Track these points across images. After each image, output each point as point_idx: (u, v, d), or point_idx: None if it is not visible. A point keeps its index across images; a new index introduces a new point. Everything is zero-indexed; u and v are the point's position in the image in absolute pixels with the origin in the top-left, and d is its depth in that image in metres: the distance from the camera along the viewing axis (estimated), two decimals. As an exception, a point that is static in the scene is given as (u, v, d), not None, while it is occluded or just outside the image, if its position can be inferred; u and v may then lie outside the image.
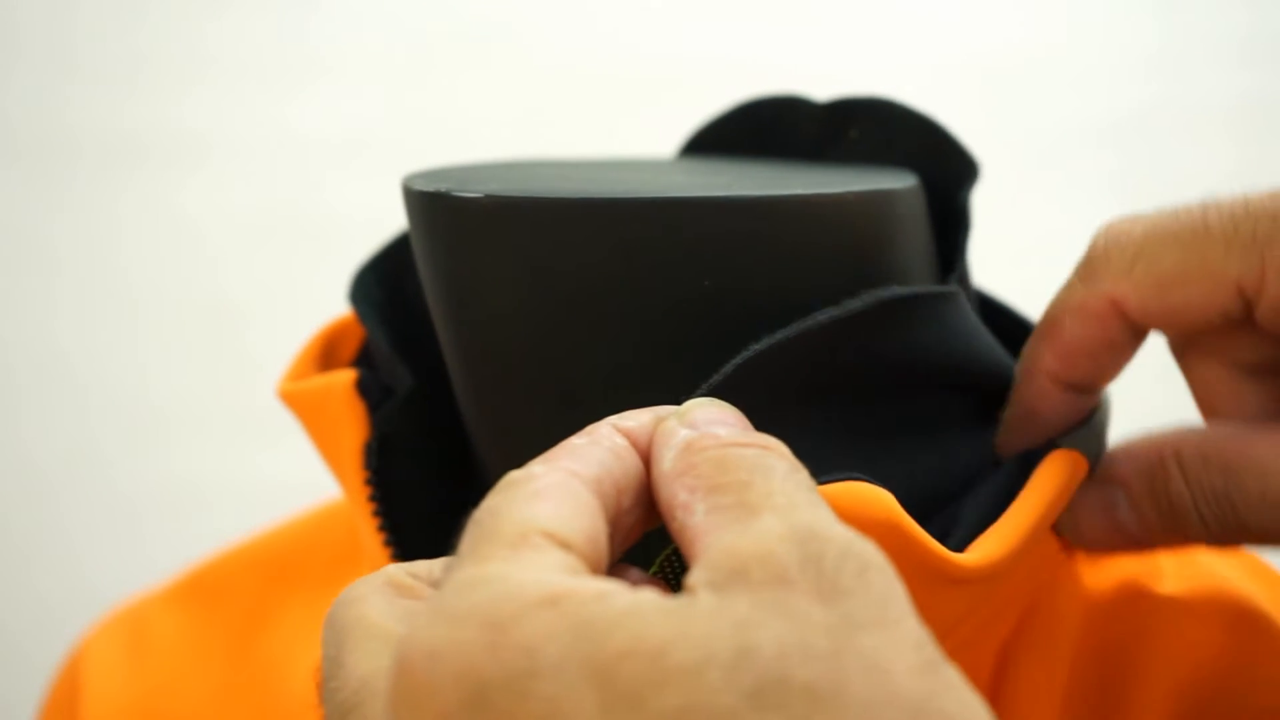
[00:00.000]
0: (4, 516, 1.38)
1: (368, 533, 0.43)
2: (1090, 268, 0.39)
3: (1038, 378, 0.40)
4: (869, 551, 0.28)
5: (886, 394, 0.39)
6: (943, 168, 0.44)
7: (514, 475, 0.31)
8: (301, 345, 0.48)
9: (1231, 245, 0.37)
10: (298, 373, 0.46)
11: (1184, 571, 0.44)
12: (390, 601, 0.31)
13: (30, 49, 1.36)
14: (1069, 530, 0.41)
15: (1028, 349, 0.41)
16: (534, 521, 0.29)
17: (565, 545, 0.29)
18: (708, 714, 0.25)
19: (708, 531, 0.29)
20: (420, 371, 0.44)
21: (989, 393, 0.42)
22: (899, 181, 0.42)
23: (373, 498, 0.43)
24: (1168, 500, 0.39)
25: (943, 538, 0.37)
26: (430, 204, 0.40)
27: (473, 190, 0.39)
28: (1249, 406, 0.40)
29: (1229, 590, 0.43)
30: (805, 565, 0.27)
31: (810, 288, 0.39)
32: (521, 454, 0.42)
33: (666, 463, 0.31)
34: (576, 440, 0.32)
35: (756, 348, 0.37)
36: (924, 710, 0.25)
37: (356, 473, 0.43)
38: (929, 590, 0.34)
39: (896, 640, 0.26)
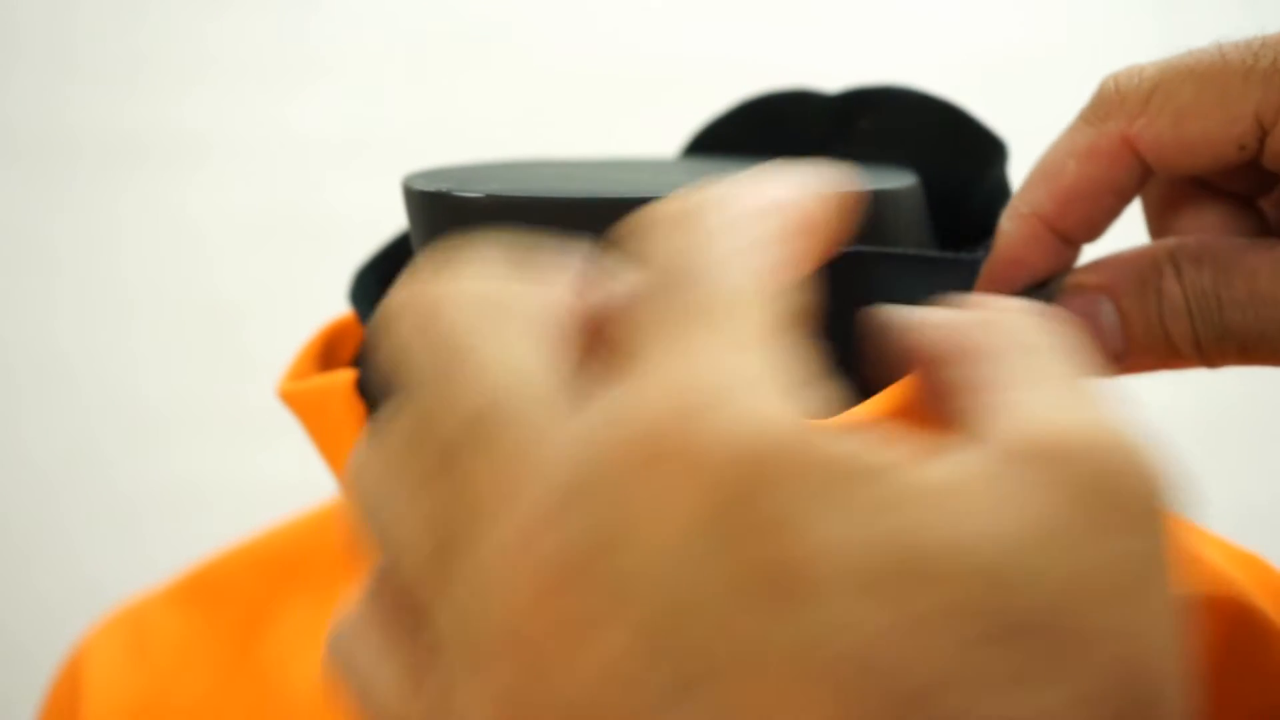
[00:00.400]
0: (4, 516, 1.38)
1: None
2: (1101, 108, 0.38)
3: (1030, 222, 0.39)
4: (1164, 479, 0.24)
5: None
6: (964, 152, 0.44)
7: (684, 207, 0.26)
8: (301, 345, 0.48)
9: (1250, 76, 0.37)
10: (297, 373, 0.46)
11: (1186, 572, 0.43)
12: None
13: (30, 49, 1.36)
14: None
15: (1021, 194, 0.40)
16: (750, 295, 0.24)
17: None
18: (980, 624, 0.22)
19: (1011, 392, 0.25)
20: None
21: None
22: (898, 181, 0.42)
23: None
24: (1158, 300, 0.39)
25: None
26: (431, 204, 0.40)
27: (473, 190, 0.39)
28: (1228, 232, 0.40)
29: (1230, 591, 0.42)
30: (1126, 475, 0.23)
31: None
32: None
33: (956, 323, 0.27)
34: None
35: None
36: (1158, 702, 0.23)
37: None
38: None
39: (1160, 607, 0.24)
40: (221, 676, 0.54)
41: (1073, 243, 0.40)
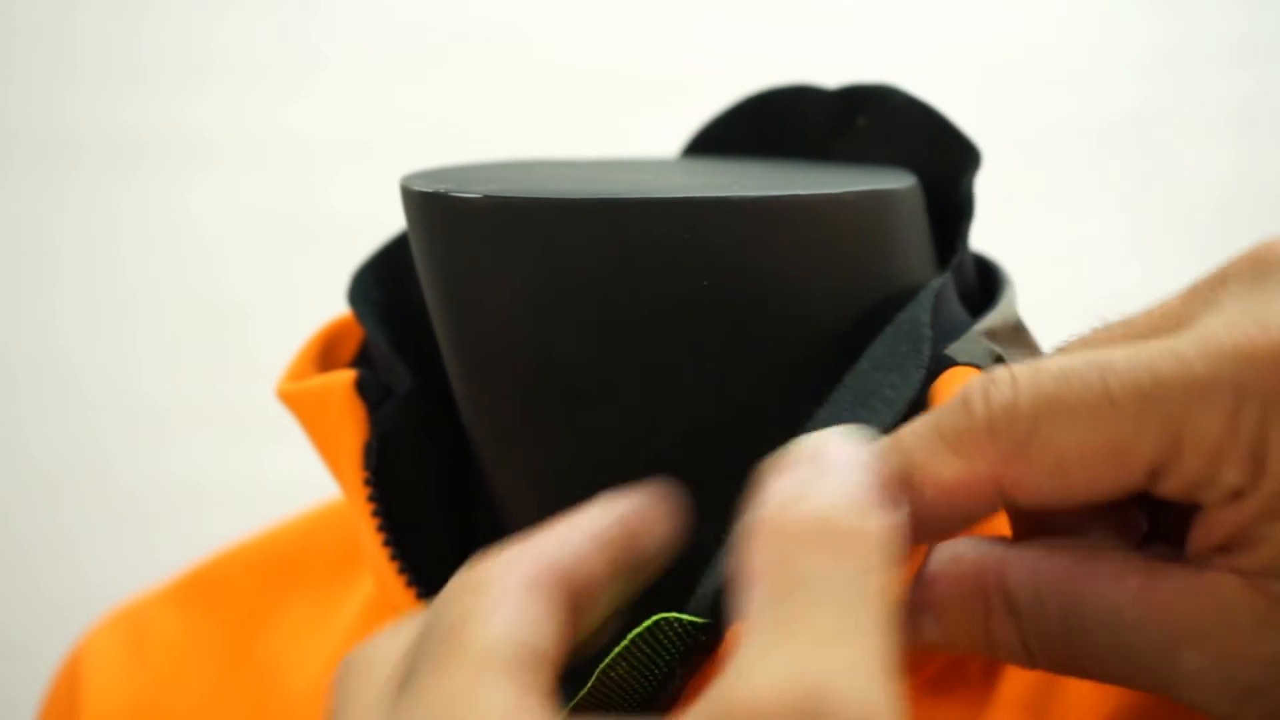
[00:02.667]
0: (4, 516, 1.38)
1: (367, 533, 0.43)
2: (969, 442, 0.32)
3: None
4: None
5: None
6: (944, 156, 0.44)
7: (469, 576, 0.30)
8: (300, 345, 0.48)
9: (1144, 421, 0.30)
10: (297, 373, 0.46)
11: None
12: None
13: (31, 49, 1.36)
14: None
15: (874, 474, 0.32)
16: (495, 637, 0.28)
17: (525, 661, 0.28)
18: None
19: (742, 652, 0.27)
20: (419, 371, 0.44)
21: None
22: (898, 181, 0.42)
23: (372, 498, 0.43)
24: (988, 638, 0.33)
25: None
26: (429, 204, 0.41)
27: (471, 190, 0.39)
28: (1086, 529, 0.34)
29: None
30: None
31: (809, 287, 0.39)
32: (519, 454, 0.42)
33: (750, 522, 0.29)
34: (552, 529, 0.31)
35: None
36: None
37: (356, 473, 0.43)
38: None
39: None
40: (220, 675, 0.54)
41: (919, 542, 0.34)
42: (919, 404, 0.37)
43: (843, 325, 0.40)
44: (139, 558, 1.20)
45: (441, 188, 0.40)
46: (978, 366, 0.38)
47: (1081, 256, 1.39)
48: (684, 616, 0.34)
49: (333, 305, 0.50)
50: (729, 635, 0.29)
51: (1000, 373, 0.32)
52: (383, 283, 0.47)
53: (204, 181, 1.37)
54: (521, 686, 0.28)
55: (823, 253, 0.40)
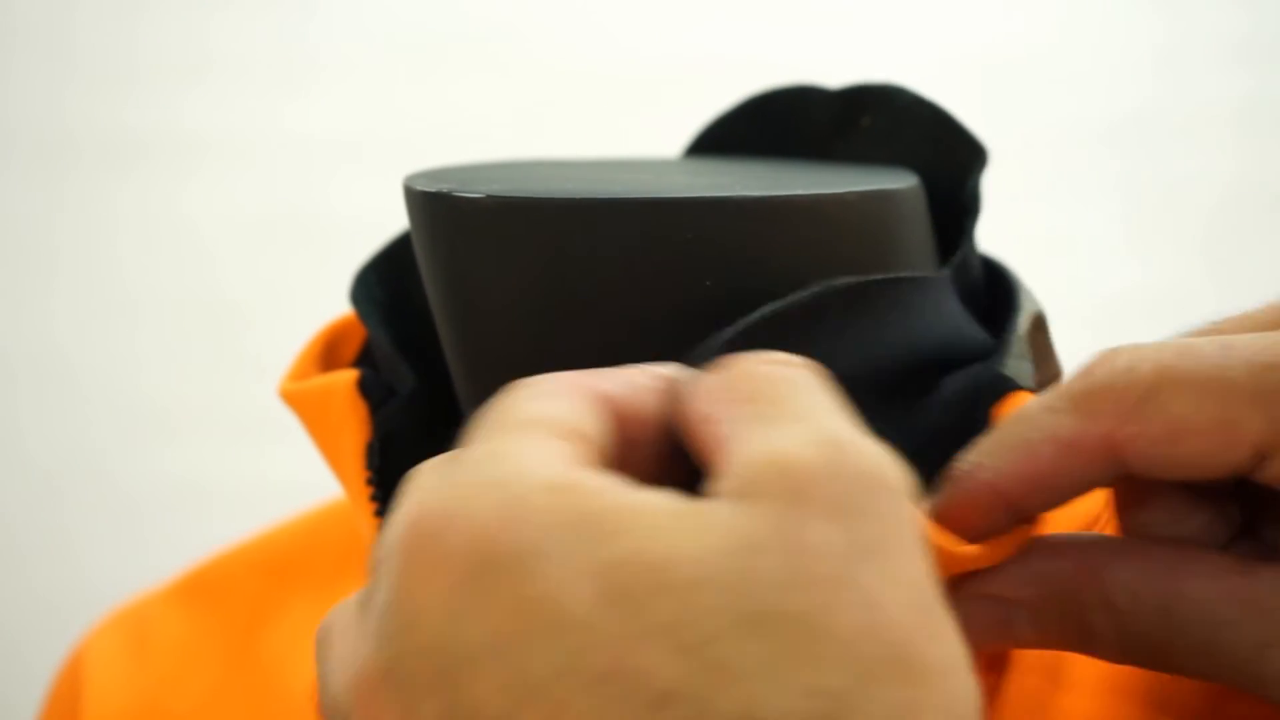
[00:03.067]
0: (4, 517, 1.38)
1: (369, 533, 0.43)
2: (1090, 400, 0.34)
3: (984, 491, 0.35)
4: (886, 470, 0.28)
5: (859, 380, 0.38)
6: (950, 155, 0.44)
7: (521, 380, 0.31)
8: (303, 345, 0.48)
9: (1258, 398, 0.32)
10: (299, 373, 0.46)
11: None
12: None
13: (29, 49, 1.36)
14: None
15: (985, 453, 0.35)
16: (541, 413, 0.29)
17: (572, 436, 0.29)
18: (696, 631, 0.25)
19: (732, 438, 0.29)
20: (422, 371, 0.44)
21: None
22: (901, 181, 0.42)
23: (374, 497, 0.43)
24: (1086, 633, 0.34)
25: None
26: (432, 204, 0.40)
27: (474, 190, 0.39)
28: (1186, 527, 0.35)
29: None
30: (823, 477, 0.27)
31: (811, 286, 0.39)
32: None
33: (696, 383, 0.31)
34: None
35: (722, 336, 0.36)
36: (903, 652, 0.26)
37: (358, 473, 0.43)
38: None
39: (895, 574, 0.27)
40: (222, 675, 0.54)
41: (1021, 518, 0.36)
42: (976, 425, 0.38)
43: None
44: (137, 558, 1.20)
45: (444, 187, 0.40)
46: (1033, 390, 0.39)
47: (1082, 256, 1.39)
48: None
49: (332, 305, 0.50)
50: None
51: (1123, 345, 0.34)
52: (386, 282, 0.47)
53: (202, 181, 1.37)
54: (570, 450, 0.28)
55: (825, 253, 0.40)
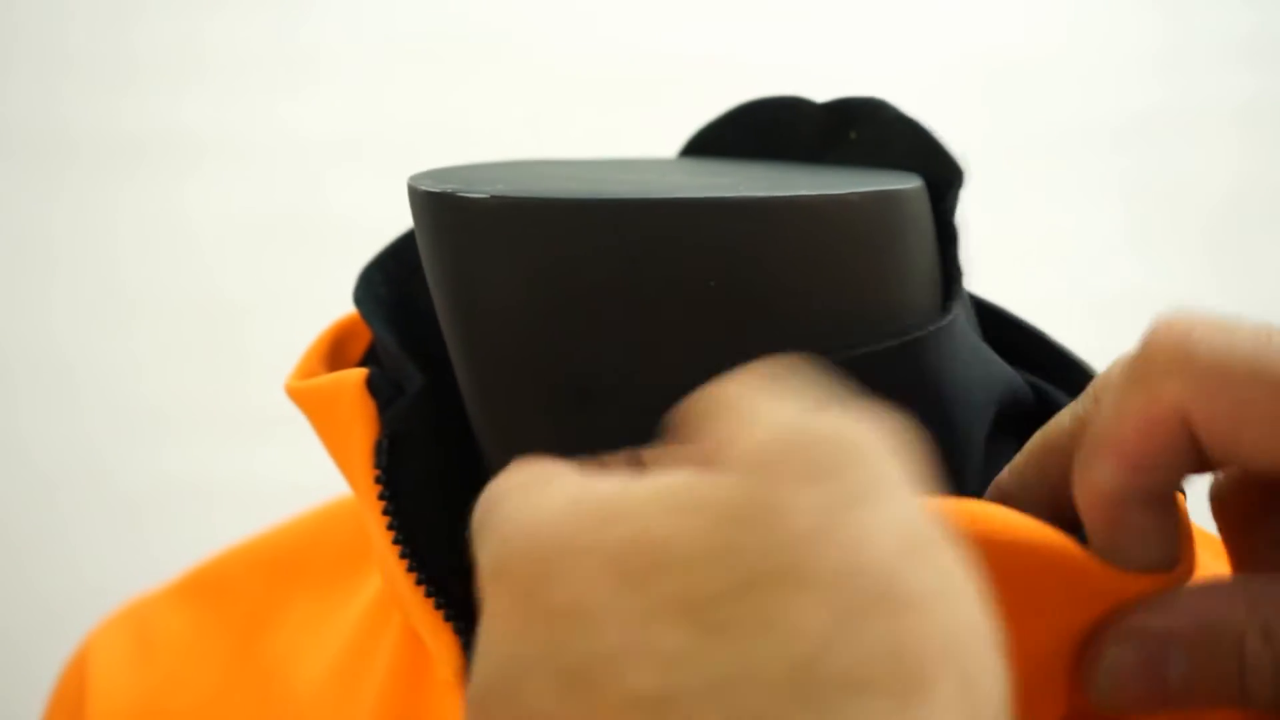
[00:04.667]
0: (3, 516, 1.38)
1: (377, 531, 0.43)
2: (1150, 368, 0.33)
3: (1111, 508, 0.34)
4: (857, 433, 0.30)
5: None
6: (932, 172, 0.44)
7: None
8: (310, 342, 0.47)
9: None
10: (305, 370, 0.46)
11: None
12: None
13: (27, 49, 1.36)
14: (1098, 688, 0.36)
15: (1090, 469, 0.34)
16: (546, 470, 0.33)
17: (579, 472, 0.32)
18: (699, 601, 0.27)
19: (735, 425, 0.31)
20: (429, 370, 0.44)
21: (1003, 411, 0.42)
22: (903, 182, 0.42)
23: (382, 496, 0.43)
24: (1241, 674, 0.33)
25: None
26: (436, 204, 0.40)
27: (479, 190, 0.39)
28: None
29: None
30: (794, 447, 0.29)
31: (814, 289, 0.39)
32: (525, 454, 0.42)
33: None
34: None
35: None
36: (888, 586, 0.27)
37: (366, 471, 0.43)
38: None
39: (877, 519, 0.28)
40: (226, 674, 0.54)
41: (1166, 503, 0.35)
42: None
43: (847, 327, 0.40)
44: (135, 558, 1.20)
45: (449, 187, 0.40)
46: None
47: (1085, 255, 1.39)
48: None
49: (330, 305, 0.50)
50: None
51: (1177, 313, 0.34)
52: (391, 281, 0.47)
53: (200, 182, 1.36)
54: (578, 475, 0.32)
55: (828, 254, 0.40)
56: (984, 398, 0.42)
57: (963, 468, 0.41)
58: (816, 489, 0.28)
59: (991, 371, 0.43)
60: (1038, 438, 0.38)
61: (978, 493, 0.40)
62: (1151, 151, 1.39)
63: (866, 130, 0.46)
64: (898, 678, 0.26)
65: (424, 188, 0.41)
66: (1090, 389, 0.37)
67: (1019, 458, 0.39)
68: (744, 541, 0.28)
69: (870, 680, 0.26)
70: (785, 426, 0.30)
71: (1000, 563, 0.32)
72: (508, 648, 0.29)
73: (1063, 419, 0.37)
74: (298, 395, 0.45)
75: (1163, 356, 0.33)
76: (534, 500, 0.31)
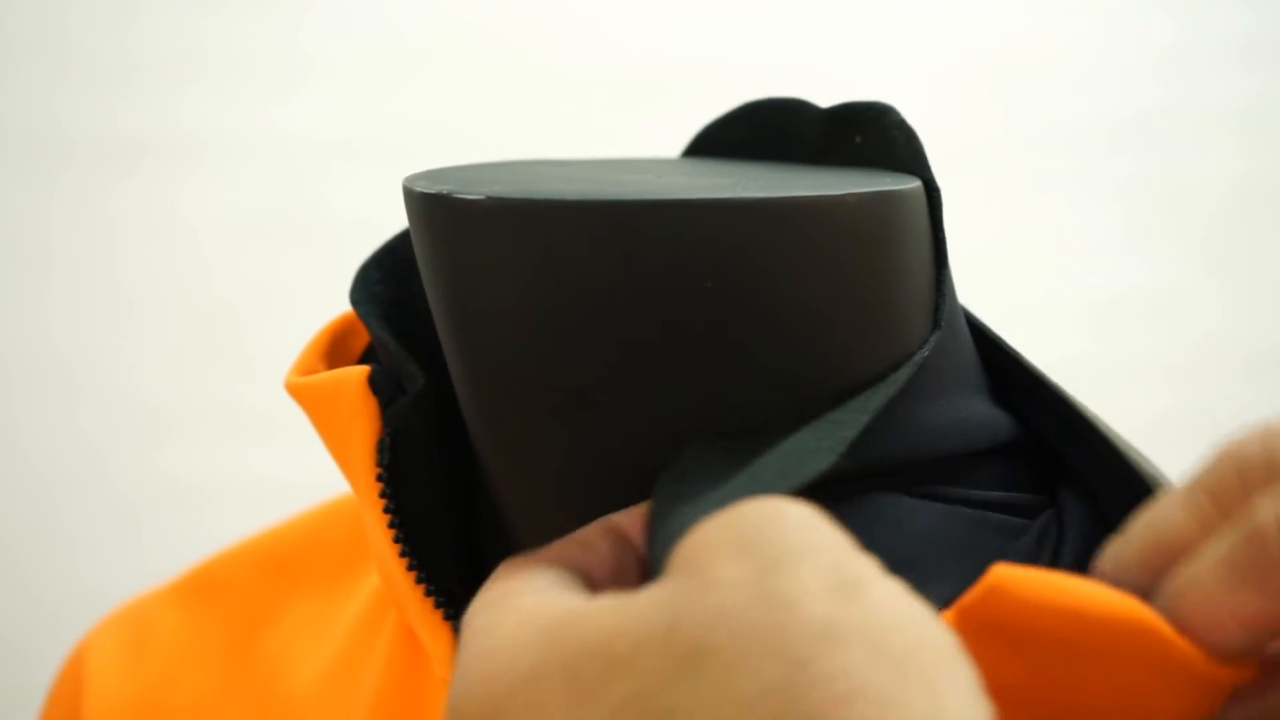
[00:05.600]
0: (2, 516, 1.38)
1: (376, 529, 0.43)
2: (1269, 575, 0.32)
3: (1256, 632, 0.33)
4: (776, 507, 0.31)
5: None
6: (929, 180, 0.44)
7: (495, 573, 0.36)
8: (309, 338, 0.47)
9: None
10: (304, 366, 0.46)
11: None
12: None
13: (24, 49, 1.36)
14: None
15: (1227, 601, 0.33)
16: (513, 584, 0.34)
17: (541, 589, 0.33)
18: (650, 693, 0.28)
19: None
20: (427, 369, 0.44)
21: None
22: (901, 183, 0.42)
23: (384, 494, 0.43)
24: None
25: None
26: (431, 205, 0.40)
27: (474, 192, 0.39)
28: None
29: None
30: (724, 536, 0.30)
31: (812, 289, 0.39)
32: (523, 455, 0.41)
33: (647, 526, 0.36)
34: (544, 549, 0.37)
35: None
36: (830, 629, 0.28)
37: (368, 469, 0.43)
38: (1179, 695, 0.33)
39: (806, 574, 0.29)
40: (222, 673, 0.54)
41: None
42: None
43: (845, 327, 0.40)
44: (132, 557, 1.20)
45: (444, 189, 0.40)
46: None
47: (1086, 255, 1.39)
48: None
49: (327, 304, 0.50)
50: None
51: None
52: (388, 279, 0.47)
53: (197, 182, 1.36)
54: (539, 594, 0.33)
55: (827, 254, 0.40)
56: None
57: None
58: (746, 562, 0.29)
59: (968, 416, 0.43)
60: (1146, 531, 0.35)
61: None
62: (1152, 151, 1.39)
63: (871, 135, 0.46)
64: (869, 711, 0.27)
65: (419, 189, 0.41)
66: (1203, 486, 0.34)
67: (1121, 546, 0.35)
68: (683, 623, 0.29)
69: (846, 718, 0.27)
70: (716, 517, 0.31)
71: (1087, 637, 0.32)
72: None
73: (1174, 514, 0.34)
74: (297, 391, 0.45)
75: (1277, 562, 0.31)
76: (490, 633, 0.32)
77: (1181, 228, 1.40)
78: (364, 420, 0.43)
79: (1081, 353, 1.17)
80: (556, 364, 0.40)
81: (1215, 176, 1.39)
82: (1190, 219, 1.41)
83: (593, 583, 0.35)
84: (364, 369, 0.43)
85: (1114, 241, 1.40)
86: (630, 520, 0.37)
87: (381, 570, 0.45)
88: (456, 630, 0.42)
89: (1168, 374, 1.30)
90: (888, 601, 0.29)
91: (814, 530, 0.30)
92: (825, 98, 0.48)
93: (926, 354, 0.41)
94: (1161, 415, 1.15)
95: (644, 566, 0.36)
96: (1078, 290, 1.36)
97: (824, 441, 0.37)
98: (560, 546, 0.36)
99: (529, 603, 0.32)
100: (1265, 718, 0.34)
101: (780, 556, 0.29)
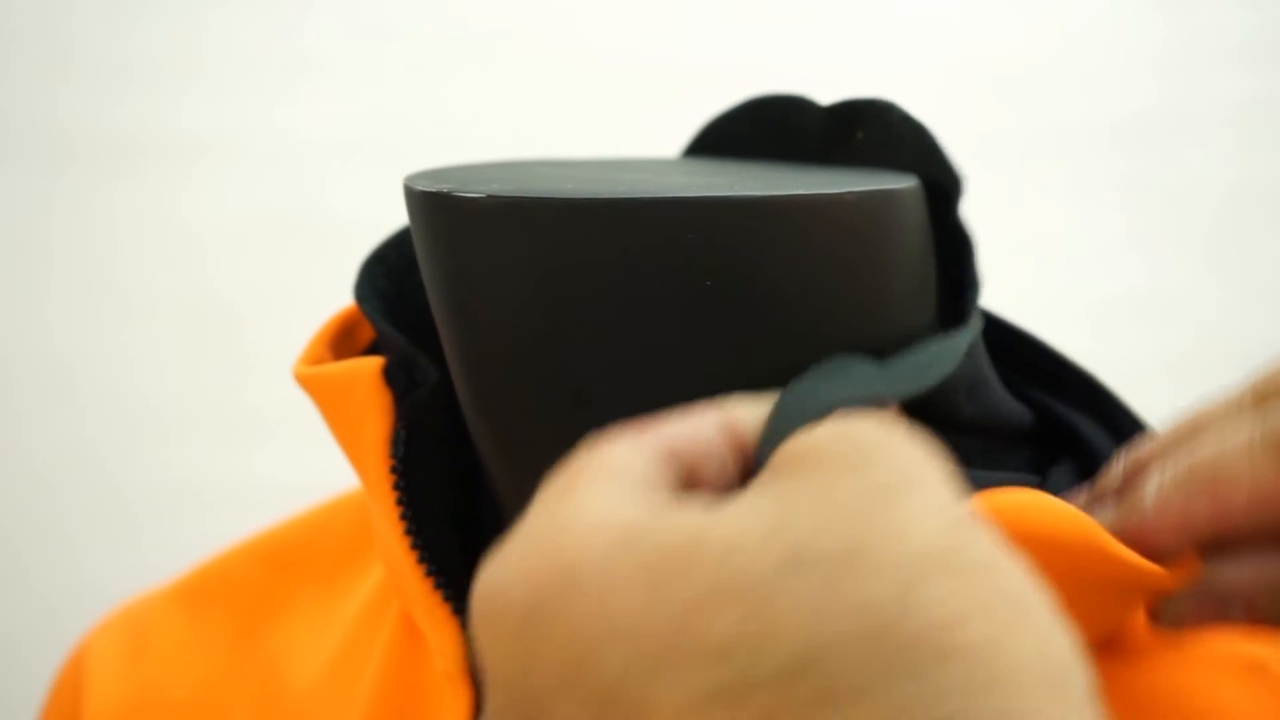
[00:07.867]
0: (1, 516, 1.38)
1: (387, 522, 0.43)
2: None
3: (1179, 534, 0.36)
4: (888, 431, 0.31)
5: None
6: (936, 175, 0.44)
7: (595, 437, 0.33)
8: (317, 328, 0.47)
9: None
10: (312, 356, 0.46)
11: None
12: None
13: (25, 49, 1.36)
14: (1170, 621, 0.38)
15: (1180, 497, 0.36)
16: (603, 461, 0.32)
17: (630, 479, 0.31)
18: (736, 589, 0.27)
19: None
20: (437, 361, 0.44)
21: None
22: (900, 182, 0.42)
23: (397, 486, 0.43)
24: None
25: None
26: (432, 204, 0.40)
27: (475, 190, 0.39)
28: None
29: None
30: (836, 446, 0.30)
31: (811, 287, 0.39)
32: (523, 454, 0.42)
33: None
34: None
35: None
36: (942, 558, 0.28)
37: (380, 460, 0.43)
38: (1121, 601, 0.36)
39: (921, 503, 0.29)
40: (224, 669, 0.54)
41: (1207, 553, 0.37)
42: None
43: (844, 324, 0.40)
44: (132, 557, 1.20)
45: (444, 187, 0.40)
46: None
47: (1085, 255, 1.39)
48: None
49: (328, 305, 0.50)
50: None
51: None
52: (392, 274, 0.47)
53: (198, 182, 1.36)
54: (621, 489, 0.31)
55: (826, 253, 0.40)
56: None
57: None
58: (860, 479, 0.29)
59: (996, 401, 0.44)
60: (1206, 468, 0.36)
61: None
62: (1151, 152, 1.39)
63: (873, 131, 0.46)
64: (973, 642, 0.26)
65: (420, 187, 0.41)
66: (1253, 387, 0.37)
67: (1164, 484, 0.37)
68: (791, 526, 0.28)
69: (949, 645, 0.26)
70: (827, 429, 0.31)
71: (1035, 549, 0.33)
72: (519, 674, 0.29)
73: (1237, 453, 0.36)
74: (308, 381, 0.45)
75: None
76: (559, 520, 0.30)
77: (1181, 227, 1.40)
78: (377, 412, 0.43)
79: (1081, 352, 1.17)
80: (556, 362, 0.40)
81: (1215, 176, 1.39)
82: (1190, 219, 1.40)
83: (693, 476, 0.33)
84: (378, 360, 0.43)
85: (1114, 241, 1.40)
86: (751, 416, 0.35)
87: (387, 562, 0.45)
88: (462, 622, 0.43)
89: (1167, 374, 1.30)
90: (990, 543, 0.29)
91: (928, 461, 0.30)
92: (826, 97, 0.48)
93: (981, 326, 0.42)
94: (1161, 415, 1.15)
95: (747, 470, 0.34)
96: (1076, 290, 1.37)
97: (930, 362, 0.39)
98: (671, 431, 0.33)
99: (606, 507, 0.30)
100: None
101: (896, 482, 0.29)
